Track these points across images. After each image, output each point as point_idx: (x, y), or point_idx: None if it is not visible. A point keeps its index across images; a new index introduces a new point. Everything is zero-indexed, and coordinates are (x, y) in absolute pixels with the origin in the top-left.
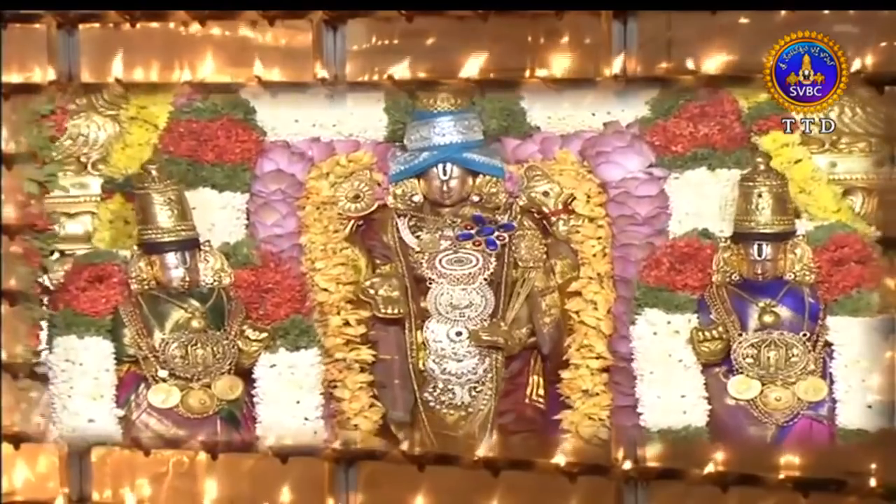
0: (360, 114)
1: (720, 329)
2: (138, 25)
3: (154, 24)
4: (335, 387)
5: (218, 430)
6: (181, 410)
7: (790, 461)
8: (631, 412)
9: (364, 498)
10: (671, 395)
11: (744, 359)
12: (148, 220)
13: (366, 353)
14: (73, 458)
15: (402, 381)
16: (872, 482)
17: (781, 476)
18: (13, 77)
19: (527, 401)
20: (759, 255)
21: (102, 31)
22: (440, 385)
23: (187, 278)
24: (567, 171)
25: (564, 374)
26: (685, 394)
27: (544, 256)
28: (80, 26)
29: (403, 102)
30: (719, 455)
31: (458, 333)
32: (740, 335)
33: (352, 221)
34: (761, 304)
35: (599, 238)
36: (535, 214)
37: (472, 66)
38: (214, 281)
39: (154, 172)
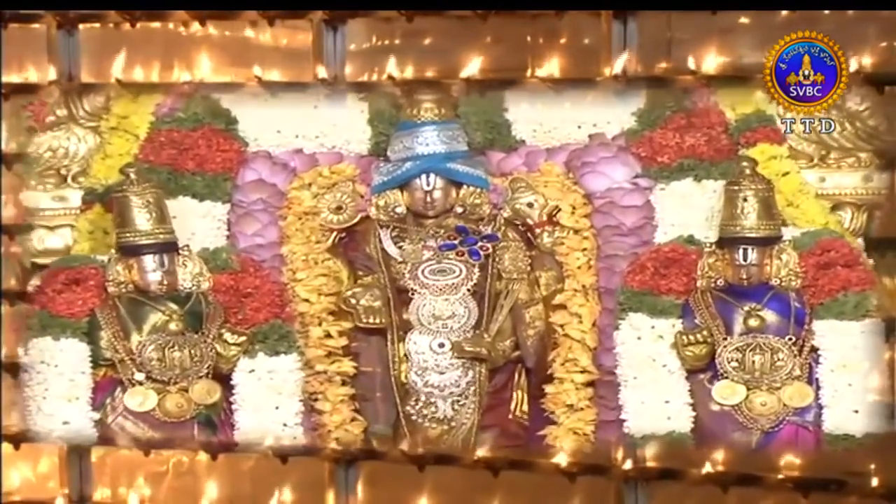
0: (344, 125)
1: (704, 333)
2: (138, 25)
3: (154, 24)
4: (316, 399)
5: (195, 435)
6: (158, 414)
7: (790, 461)
8: (616, 426)
9: (364, 498)
10: (655, 400)
11: (728, 363)
12: (126, 223)
13: (347, 366)
14: (73, 458)
15: (383, 394)
16: (872, 482)
17: (781, 476)
18: (13, 77)
19: (510, 416)
20: (745, 259)
21: (102, 31)
22: (422, 398)
23: (165, 282)
24: (552, 183)
25: (549, 388)
26: (669, 399)
27: (528, 268)
28: (80, 26)
29: (388, 114)
30: (719, 456)
31: (441, 345)
32: (725, 339)
33: (334, 233)
34: (746, 308)
35: (584, 250)
36: (520, 226)
37: (472, 66)
38: (193, 285)
39: (133, 175)
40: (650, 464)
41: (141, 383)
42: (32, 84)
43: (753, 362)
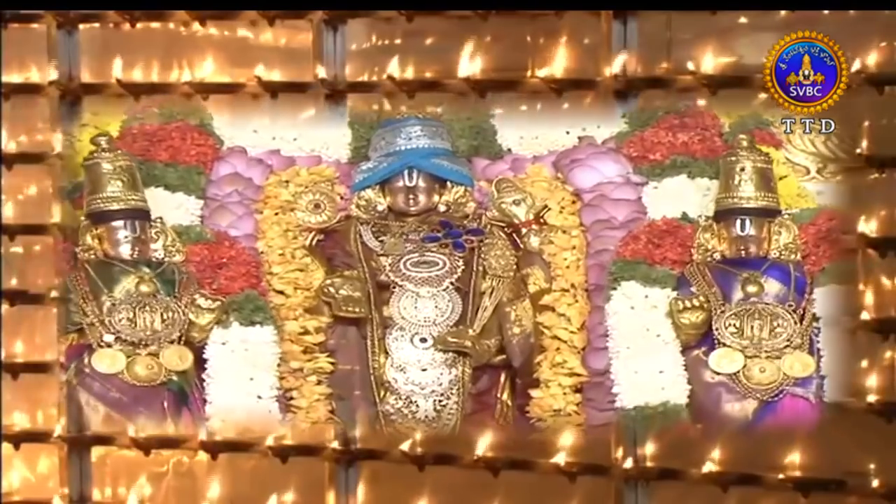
0: (323, 128)
1: (701, 298)
2: (138, 25)
3: (154, 24)
4: (291, 398)
5: (165, 403)
6: (126, 377)
7: (791, 460)
8: (605, 432)
9: (364, 498)
10: (648, 370)
11: (726, 329)
12: (97, 189)
13: (324, 362)
14: (73, 458)
15: (362, 393)
16: (872, 482)
17: (781, 476)
18: (13, 77)
19: (494, 424)
20: (742, 230)
21: (102, 31)
22: (403, 396)
23: (136, 249)
24: (539, 183)
25: (535, 392)
26: (663, 370)
27: (514, 267)
28: (80, 26)
29: (368, 118)
30: (718, 454)
31: (423, 340)
32: (722, 306)
33: (312, 234)
34: (745, 275)
35: (573, 248)
36: (506, 228)
37: (473, 66)
38: (166, 256)
39: (104, 143)
40: (650, 464)
41: (110, 345)
42: (32, 84)
43: (752, 328)
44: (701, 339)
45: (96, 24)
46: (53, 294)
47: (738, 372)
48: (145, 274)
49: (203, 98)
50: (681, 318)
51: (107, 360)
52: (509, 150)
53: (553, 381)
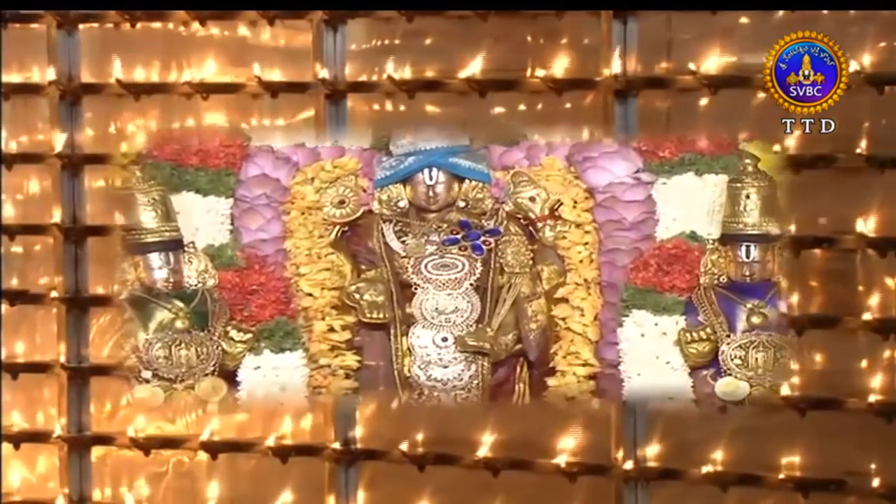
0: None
1: (708, 330)
2: (138, 25)
3: (154, 24)
4: (319, 393)
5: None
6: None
7: (790, 460)
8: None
9: (364, 498)
10: (658, 397)
11: (731, 360)
12: (132, 219)
13: (351, 359)
14: (73, 458)
15: (386, 388)
16: (872, 482)
17: (781, 476)
18: (13, 77)
19: None
20: (747, 256)
21: (102, 31)
22: (425, 392)
23: (171, 279)
24: (553, 177)
25: (551, 381)
26: (673, 396)
27: (531, 262)
28: (80, 26)
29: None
30: (718, 454)
31: (444, 339)
32: (728, 336)
33: (336, 228)
34: (749, 306)
35: (586, 244)
36: (522, 220)
37: (472, 66)
38: (198, 282)
39: (138, 173)
40: (650, 464)
41: (147, 381)
42: (32, 84)
43: (756, 359)
44: (709, 363)
45: (96, 24)
46: (53, 294)
47: (744, 400)
48: (180, 310)
49: (203, 98)
50: (689, 348)
51: (146, 395)
52: (525, 135)
53: (568, 371)
